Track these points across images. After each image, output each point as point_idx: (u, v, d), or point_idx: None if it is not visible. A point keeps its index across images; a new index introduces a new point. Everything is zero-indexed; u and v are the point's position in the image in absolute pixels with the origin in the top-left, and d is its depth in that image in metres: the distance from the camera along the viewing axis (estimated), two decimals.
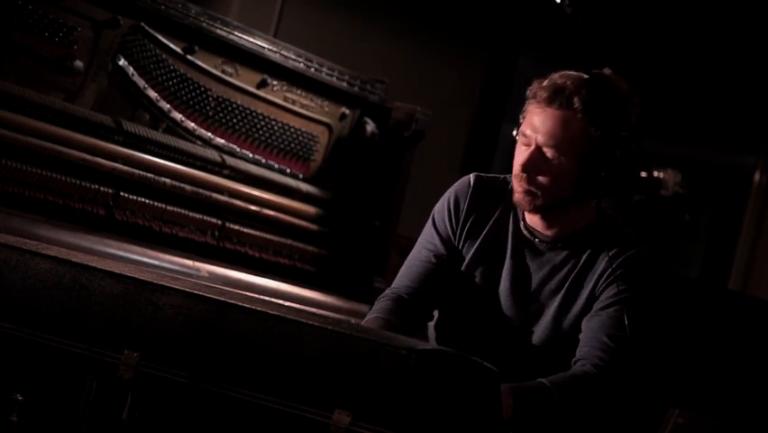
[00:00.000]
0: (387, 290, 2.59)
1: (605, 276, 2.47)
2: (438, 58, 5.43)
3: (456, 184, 2.61)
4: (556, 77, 2.45)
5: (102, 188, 3.32)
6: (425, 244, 2.60)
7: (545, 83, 2.44)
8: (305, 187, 3.86)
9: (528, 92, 2.47)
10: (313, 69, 3.81)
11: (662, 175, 5.06)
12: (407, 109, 4.01)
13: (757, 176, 6.22)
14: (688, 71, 6.10)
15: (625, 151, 2.45)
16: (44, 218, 3.16)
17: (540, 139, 2.43)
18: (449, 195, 2.61)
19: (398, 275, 2.61)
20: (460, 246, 2.57)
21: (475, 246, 2.56)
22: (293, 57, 3.76)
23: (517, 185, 2.47)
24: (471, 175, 2.61)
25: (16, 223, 3.03)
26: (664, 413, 3.42)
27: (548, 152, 2.43)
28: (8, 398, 2.24)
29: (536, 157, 2.44)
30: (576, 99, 2.40)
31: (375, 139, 3.98)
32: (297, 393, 1.97)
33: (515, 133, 2.51)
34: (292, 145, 3.81)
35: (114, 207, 3.35)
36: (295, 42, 3.86)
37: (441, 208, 2.61)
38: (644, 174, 4.96)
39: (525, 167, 2.44)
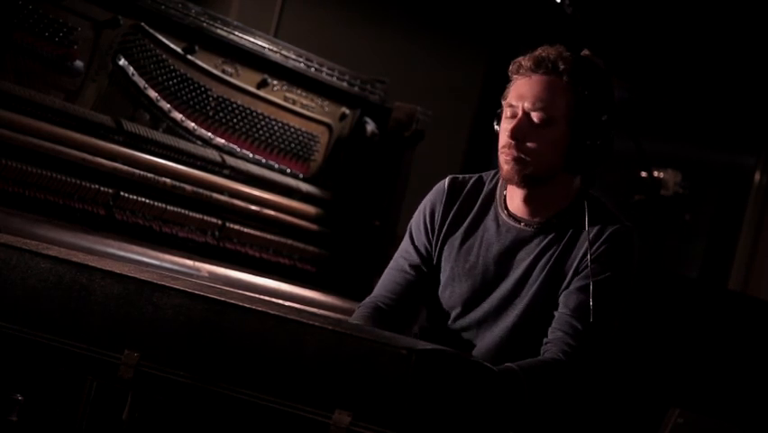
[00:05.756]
0: (366, 299, 2.63)
1: (586, 253, 2.48)
2: (438, 57, 5.43)
3: (431, 191, 2.66)
4: (538, 50, 2.51)
5: (102, 188, 3.32)
6: (403, 253, 2.64)
7: (527, 56, 2.50)
8: (305, 187, 3.86)
9: (511, 68, 2.52)
10: (313, 69, 3.81)
11: (662, 175, 5.05)
12: (407, 109, 4.01)
13: (757, 176, 6.21)
14: (688, 71, 6.10)
15: (611, 116, 2.49)
16: (44, 218, 3.16)
17: (527, 105, 2.47)
18: (423, 204, 2.65)
19: (378, 283, 2.65)
20: (439, 251, 2.60)
21: (458, 243, 2.58)
22: (293, 57, 3.76)
23: (507, 155, 2.49)
24: (447, 178, 2.65)
25: (16, 223, 3.03)
26: (664, 413, 3.42)
27: (536, 117, 2.47)
28: (8, 398, 2.24)
29: (524, 123, 2.47)
30: (561, 64, 2.47)
31: (375, 139, 3.98)
32: (297, 393, 1.97)
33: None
34: (292, 145, 3.81)
35: (114, 207, 3.35)
36: (295, 42, 3.86)
37: (417, 219, 2.65)
38: (644, 174, 4.96)
39: (514, 133, 2.47)
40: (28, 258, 2.19)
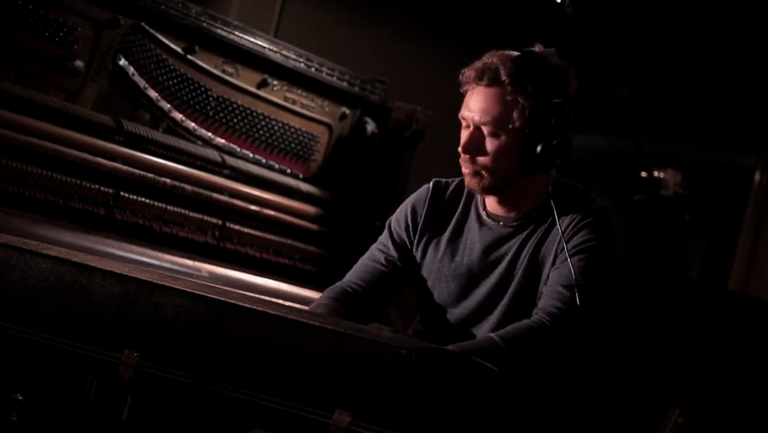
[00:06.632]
0: (336, 283, 2.65)
1: (566, 231, 2.50)
2: (438, 57, 5.42)
3: (415, 192, 2.69)
4: (485, 57, 2.52)
5: (102, 188, 3.31)
6: (380, 245, 2.68)
7: (472, 65, 2.52)
8: (305, 187, 3.86)
9: (460, 79, 2.54)
10: (313, 69, 3.81)
11: (662, 175, 5.05)
12: (407, 109, 4.01)
13: (757, 176, 6.21)
14: (688, 71, 6.10)
15: (561, 118, 2.48)
16: (44, 218, 3.16)
17: (476, 118, 2.49)
18: (406, 203, 2.69)
19: (350, 270, 2.68)
20: (422, 252, 2.63)
21: (443, 245, 2.61)
22: (293, 57, 3.76)
23: (464, 168, 2.52)
24: (431, 181, 2.69)
25: (16, 223, 3.03)
26: (664, 413, 3.42)
27: (485, 129, 2.49)
28: (8, 398, 2.25)
29: (475, 136, 2.50)
30: (502, 72, 2.47)
31: (375, 139, 3.98)
32: (297, 393, 1.97)
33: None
34: (292, 145, 3.81)
35: (114, 206, 3.35)
36: (295, 42, 3.86)
37: (398, 215, 2.68)
38: (644, 174, 4.96)
39: (466, 148, 2.50)
40: (28, 258, 2.19)
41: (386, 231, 2.69)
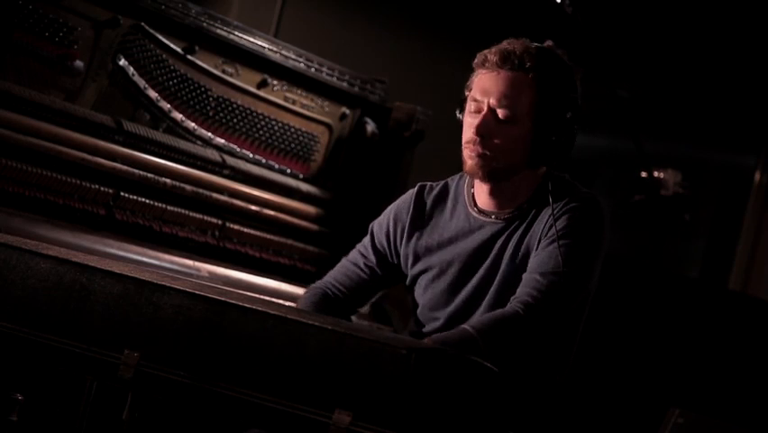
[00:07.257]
0: (317, 282, 2.70)
1: (550, 218, 2.49)
2: (438, 58, 5.43)
3: (400, 197, 2.69)
4: (503, 44, 2.51)
5: (102, 188, 3.31)
6: (361, 248, 2.71)
7: (494, 50, 2.50)
8: (305, 187, 3.86)
9: (476, 61, 2.52)
10: (313, 69, 3.81)
11: (662, 175, 5.05)
12: (407, 109, 4.01)
13: (757, 176, 6.21)
14: (688, 71, 6.10)
15: (575, 112, 2.50)
16: (44, 218, 3.16)
17: (493, 101, 2.48)
18: (389, 209, 2.69)
19: (333, 269, 2.72)
20: (414, 258, 2.63)
21: (434, 247, 2.61)
22: (293, 57, 3.76)
23: (471, 150, 2.50)
24: (416, 186, 2.69)
25: (16, 223, 3.03)
26: (664, 413, 3.42)
27: (501, 113, 2.48)
28: (8, 398, 2.25)
29: (490, 120, 2.48)
30: (527, 60, 2.47)
31: (375, 139, 3.98)
32: (297, 393, 1.97)
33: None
34: (292, 145, 3.81)
35: (114, 206, 3.35)
36: (295, 42, 3.86)
37: (380, 221, 2.70)
38: (644, 174, 4.96)
39: (480, 130, 2.48)
40: (28, 258, 2.19)
41: (368, 236, 2.70)
